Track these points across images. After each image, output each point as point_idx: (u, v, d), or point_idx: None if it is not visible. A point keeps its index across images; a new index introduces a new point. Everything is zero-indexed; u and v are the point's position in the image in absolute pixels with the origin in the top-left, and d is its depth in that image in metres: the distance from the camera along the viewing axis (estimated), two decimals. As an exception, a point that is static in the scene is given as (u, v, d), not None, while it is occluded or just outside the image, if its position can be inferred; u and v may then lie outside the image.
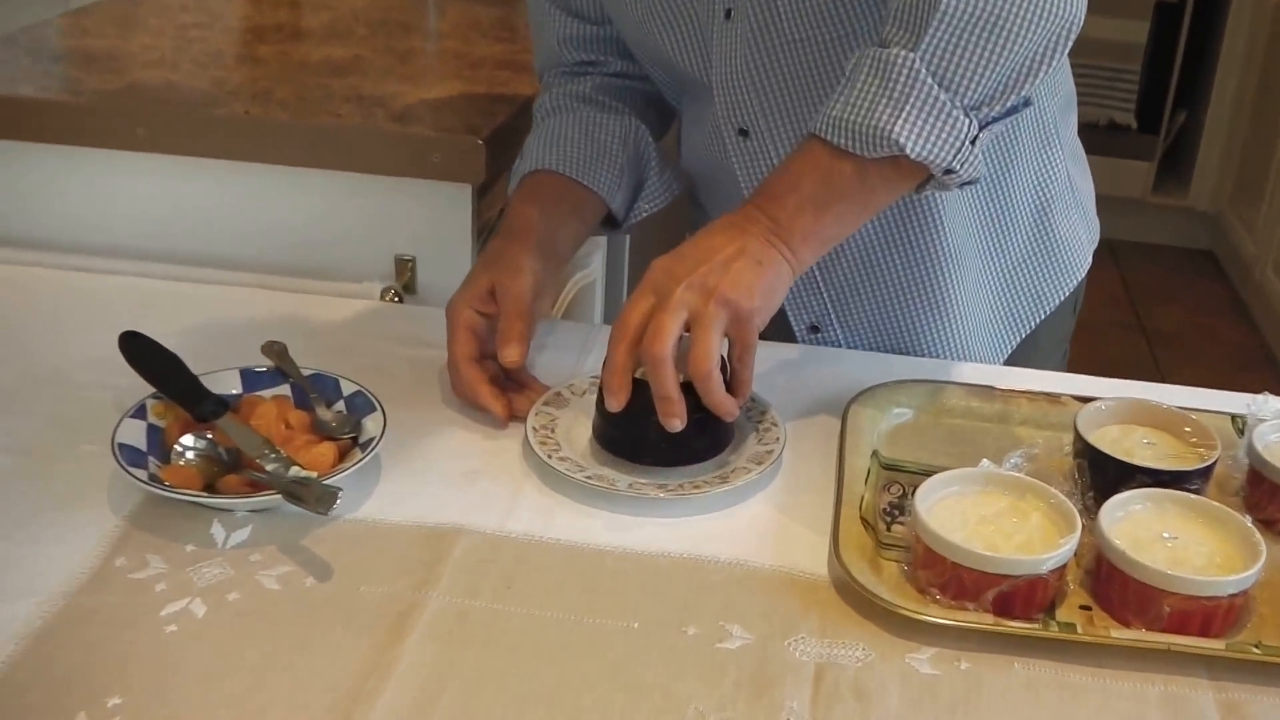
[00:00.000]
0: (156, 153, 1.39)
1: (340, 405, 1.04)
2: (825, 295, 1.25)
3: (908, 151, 0.94)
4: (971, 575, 0.86)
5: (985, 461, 0.98)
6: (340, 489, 0.89)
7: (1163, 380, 1.23)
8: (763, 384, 1.12)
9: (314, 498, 0.89)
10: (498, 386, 1.09)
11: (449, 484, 1.00)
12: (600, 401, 1.00)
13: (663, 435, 0.97)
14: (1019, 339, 1.29)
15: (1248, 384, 1.18)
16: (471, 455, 1.04)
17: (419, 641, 0.84)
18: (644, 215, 1.28)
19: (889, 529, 0.97)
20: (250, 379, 1.06)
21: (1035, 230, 1.26)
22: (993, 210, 1.22)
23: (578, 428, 1.06)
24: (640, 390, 0.97)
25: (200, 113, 1.39)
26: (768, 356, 1.19)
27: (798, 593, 0.90)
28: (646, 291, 0.98)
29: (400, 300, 1.38)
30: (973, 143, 0.97)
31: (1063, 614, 0.88)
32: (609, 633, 0.85)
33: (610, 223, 1.28)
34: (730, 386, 0.99)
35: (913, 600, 0.87)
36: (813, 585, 0.91)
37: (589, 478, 0.98)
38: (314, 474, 0.94)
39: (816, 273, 1.24)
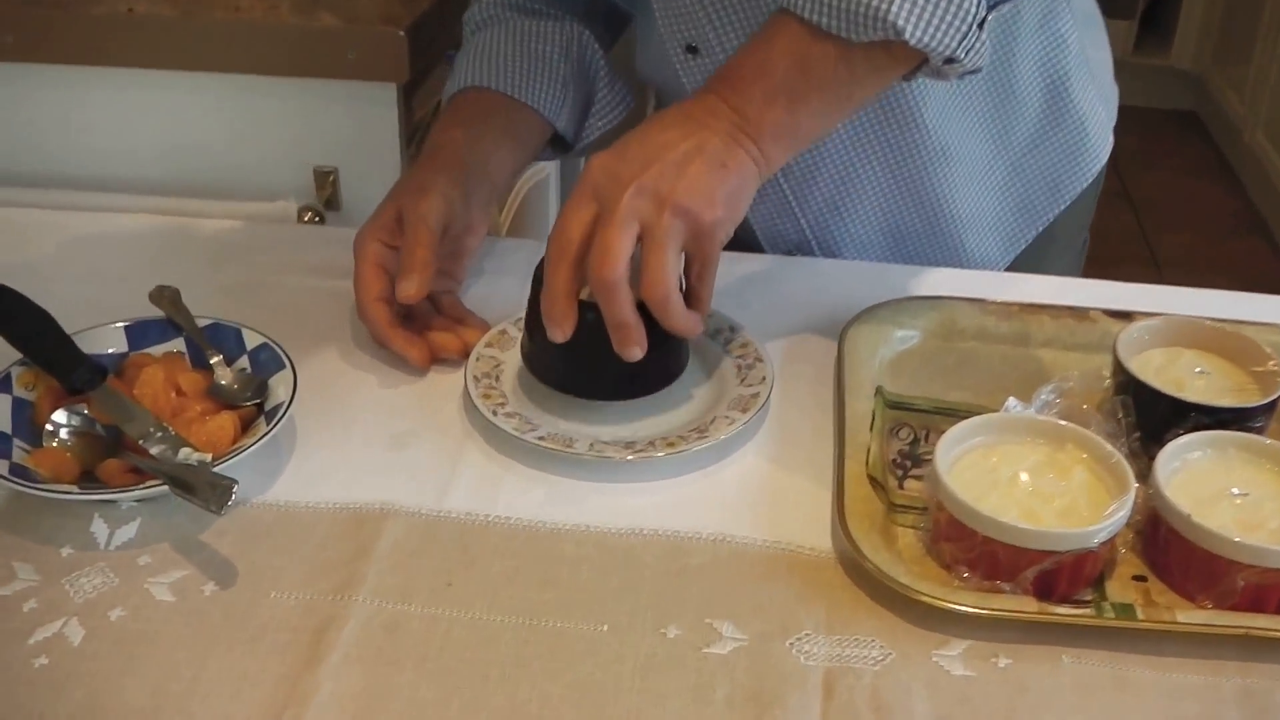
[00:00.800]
0: (26, 61, 1.19)
1: (244, 362, 0.87)
2: (802, 219, 1.08)
3: (906, 37, 0.77)
4: (1008, 551, 0.71)
5: (1012, 401, 0.83)
6: (236, 481, 0.73)
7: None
8: (737, 308, 0.96)
9: (206, 490, 0.73)
10: (425, 325, 0.93)
11: (375, 452, 0.84)
12: (530, 325, 0.84)
13: (618, 366, 0.82)
14: (1034, 234, 1.13)
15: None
16: (402, 414, 0.88)
17: (341, 664, 0.69)
18: (598, 134, 1.09)
19: (901, 485, 0.82)
20: (137, 334, 0.89)
21: (1046, 112, 1.09)
22: (995, 93, 1.05)
23: (528, 374, 0.90)
24: (586, 315, 0.81)
25: (76, 11, 1.19)
26: (738, 270, 1.03)
27: (798, 575, 0.75)
28: (586, 197, 0.80)
29: (321, 221, 1.21)
30: (980, 26, 0.80)
31: (1114, 589, 0.73)
32: (572, 640, 0.70)
33: (560, 144, 1.10)
34: (687, 302, 0.83)
35: (937, 583, 0.73)
36: (816, 564, 0.76)
37: (541, 438, 0.82)
38: (208, 456, 0.77)
39: (789, 194, 1.07)
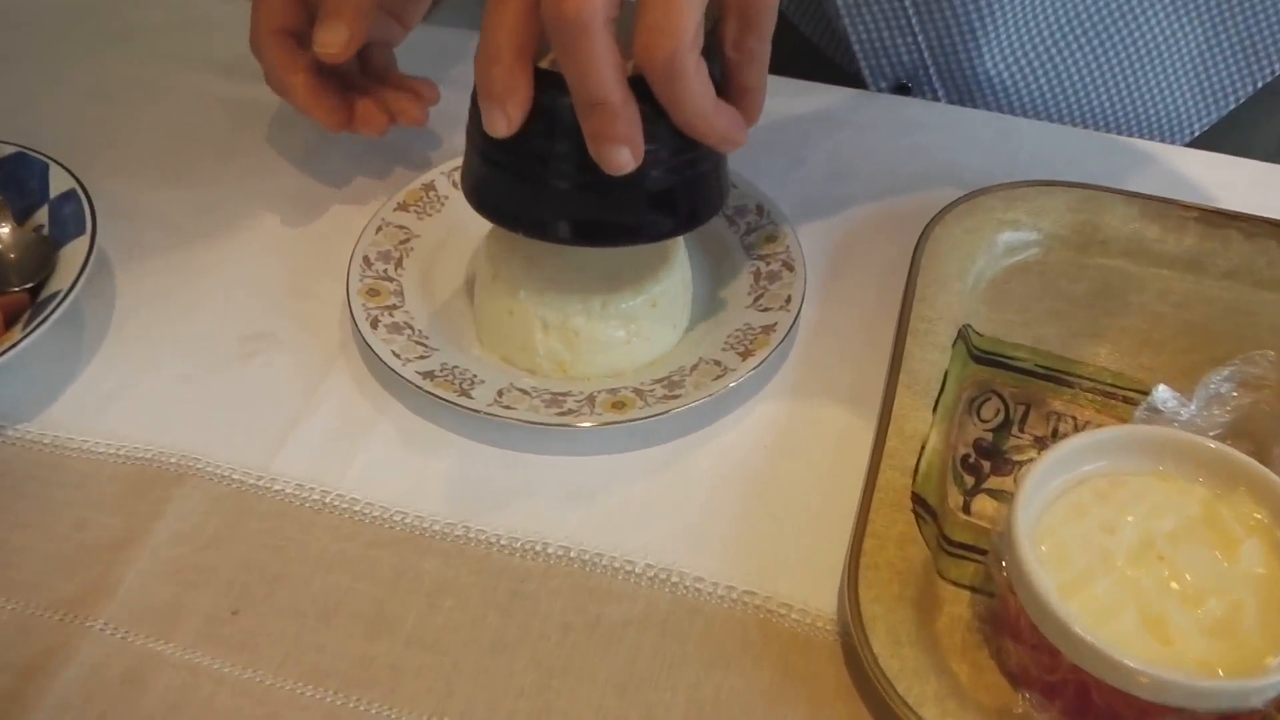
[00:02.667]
0: None
1: (42, 217, 0.61)
2: (920, 37, 0.75)
3: None
4: (1109, 694, 0.42)
5: (1162, 394, 0.52)
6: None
7: None
8: (780, 174, 0.66)
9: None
10: (345, 84, 0.66)
11: (204, 366, 0.58)
12: (471, 126, 0.53)
13: (596, 183, 0.50)
14: (1252, 88, 0.78)
15: None
16: (265, 303, 0.61)
17: (36, 741, 0.45)
18: None
19: (967, 504, 0.53)
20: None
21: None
22: None
23: (454, 245, 0.62)
24: (548, 93, 0.49)
25: None
26: (795, 107, 0.72)
27: (775, 655, 0.47)
28: None
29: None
30: None
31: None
32: (393, 745, 0.45)
33: None
34: (725, 94, 0.51)
35: (990, 713, 0.45)
36: (806, 640, 0.48)
37: (426, 374, 0.55)
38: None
39: (909, 6, 0.74)
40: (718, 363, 0.56)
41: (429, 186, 0.64)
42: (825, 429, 0.55)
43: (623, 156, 0.48)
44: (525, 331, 0.56)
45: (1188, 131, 0.79)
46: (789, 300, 0.58)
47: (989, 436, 0.56)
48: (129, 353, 0.58)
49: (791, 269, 0.60)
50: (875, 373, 0.57)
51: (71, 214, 0.59)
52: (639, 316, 0.56)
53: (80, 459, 0.54)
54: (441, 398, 0.54)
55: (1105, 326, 0.60)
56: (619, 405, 0.54)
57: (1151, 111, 0.78)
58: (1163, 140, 0.79)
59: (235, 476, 0.53)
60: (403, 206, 0.63)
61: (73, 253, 0.58)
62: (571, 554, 0.50)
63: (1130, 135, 0.78)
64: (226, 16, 0.78)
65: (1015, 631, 0.46)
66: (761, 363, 0.55)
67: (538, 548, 0.51)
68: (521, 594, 0.49)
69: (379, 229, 0.62)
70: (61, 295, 0.55)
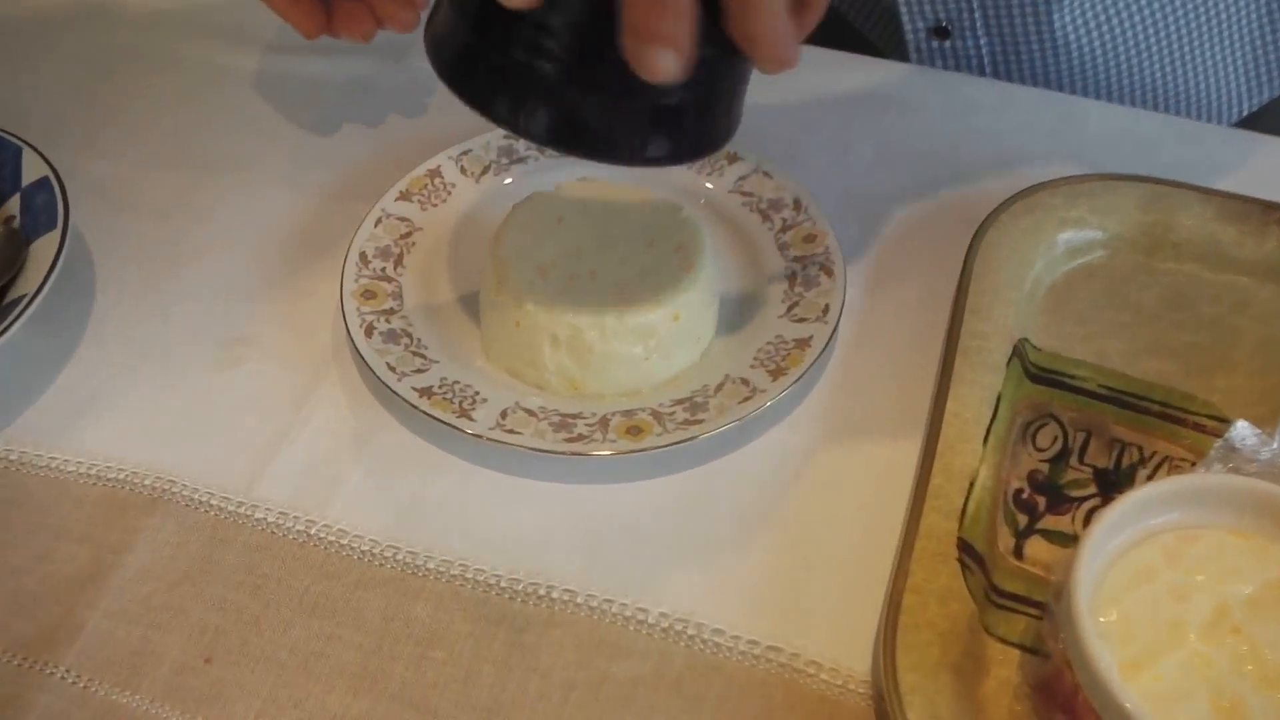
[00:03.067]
0: None
1: (14, 207, 0.56)
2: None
3: None
4: (1178, 796, 0.37)
5: (1242, 430, 0.47)
6: None
7: None
8: (821, 164, 0.60)
9: None
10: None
11: (183, 375, 0.53)
12: None
13: (593, 76, 0.41)
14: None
15: None
16: (244, 305, 0.56)
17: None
18: None
19: (1019, 548, 0.48)
20: None
21: None
22: None
23: (461, 240, 0.57)
24: None
25: None
26: (834, 85, 0.66)
27: (793, 730, 0.43)
28: None
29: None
30: None
31: None
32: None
33: None
34: None
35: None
36: (837, 707, 0.43)
37: (423, 390, 0.50)
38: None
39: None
40: (745, 381, 0.50)
41: (434, 173, 0.59)
42: (864, 459, 0.50)
43: (666, 62, 0.38)
44: (532, 346, 0.51)
45: (1235, 111, 0.73)
46: (826, 310, 0.53)
47: (1045, 469, 0.50)
48: (104, 357, 0.54)
49: (830, 274, 0.54)
50: (921, 394, 0.52)
51: (45, 205, 0.54)
52: (659, 331, 0.50)
53: (46, 479, 0.49)
54: (439, 419, 0.49)
55: (1175, 341, 0.55)
56: (635, 431, 0.49)
57: (1203, 88, 0.72)
58: (1209, 120, 0.72)
59: (213, 503, 0.48)
60: (405, 196, 0.58)
61: (45, 248, 0.53)
62: (578, 599, 0.46)
63: (1177, 113, 0.71)
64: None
65: (1070, 709, 0.41)
66: (794, 382, 0.50)
67: (540, 591, 0.46)
68: (521, 646, 0.44)
69: (378, 221, 0.57)
70: (27, 300, 0.50)
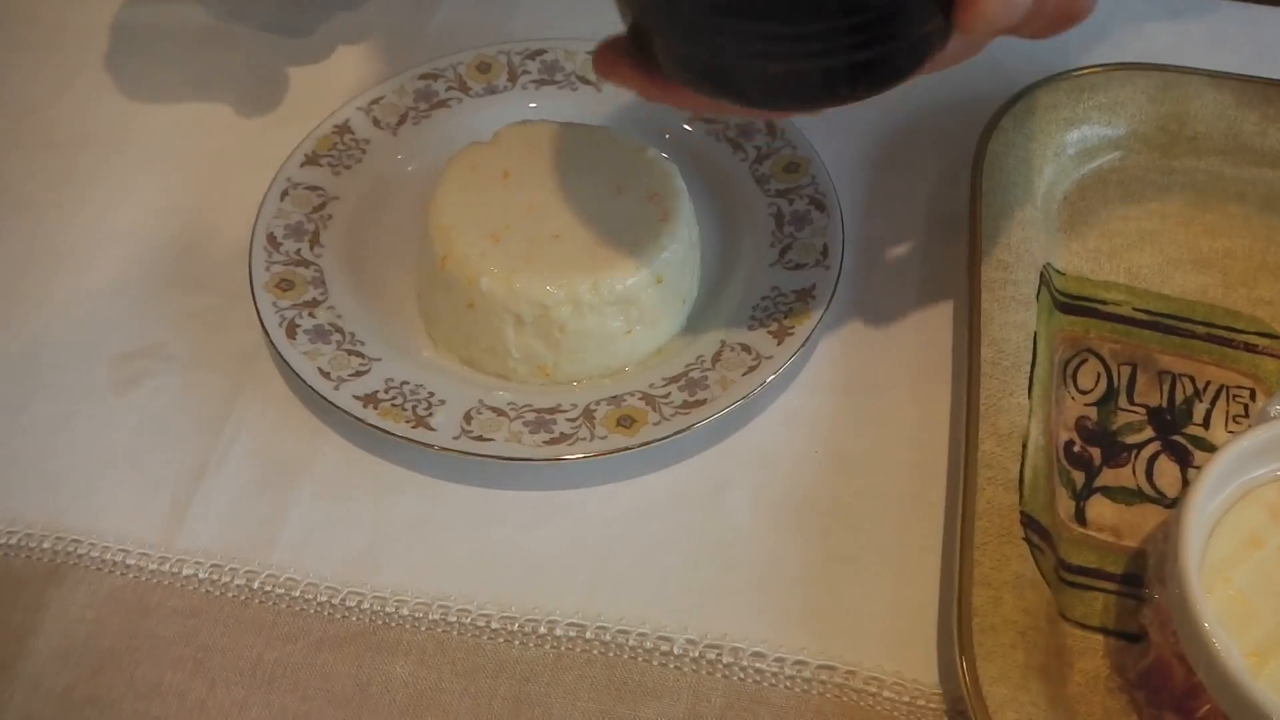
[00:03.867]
0: None
1: None
2: None
3: None
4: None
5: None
6: None
7: None
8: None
9: None
10: None
11: (74, 402, 0.44)
12: None
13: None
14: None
15: None
16: (139, 308, 0.47)
17: None
18: None
19: (1081, 509, 0.41)
20: None
21: None
22: None
23: (387, 205, 0.48)
24: None
25: None
26: None
27: (864, 766, 0.36)
28: None
29: None
30: None
31: None
32: None
33: None
34: None
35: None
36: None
37: (366, 397, 0.42)
38: None
39: None
40: (746, 348, 0.43)
41: (342, 128, 0.50)
42: (891, 423, 0.43)
43: None
44: (492, 330, 0.42)
45: None
46: (825, 252, 0.45)
47: (1093, 414, 0.44)
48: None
49: (822, 208, 0.47)
50: (943, 339, 0.45)
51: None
52: (640, 299, 0.43)
53: (-80, 551, 0.40)
54: (391, 432, 0.41)
55: (1208, 249, 0.48)
56: (627, 421, 0.41)
57: None
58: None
59: (130, 562, 0.40)
60: (312, 159, 0.49)
61: (-123, 267, 0.43)
62: (587, 634, 0.38)
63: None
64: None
65: (1187, 710, 0.35)
66: (805, 343, 0.43)
67: (541, 629, 0.38)
68: (527, 700, 0.37)
69: (284, 194, 0.47)
70: None
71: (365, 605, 0.39)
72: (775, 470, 0.42)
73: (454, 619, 0.39)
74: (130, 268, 0.48)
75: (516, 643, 0.38)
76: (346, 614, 0.39)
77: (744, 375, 0.42)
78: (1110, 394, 0.44)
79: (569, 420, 0.41)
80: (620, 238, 0.43)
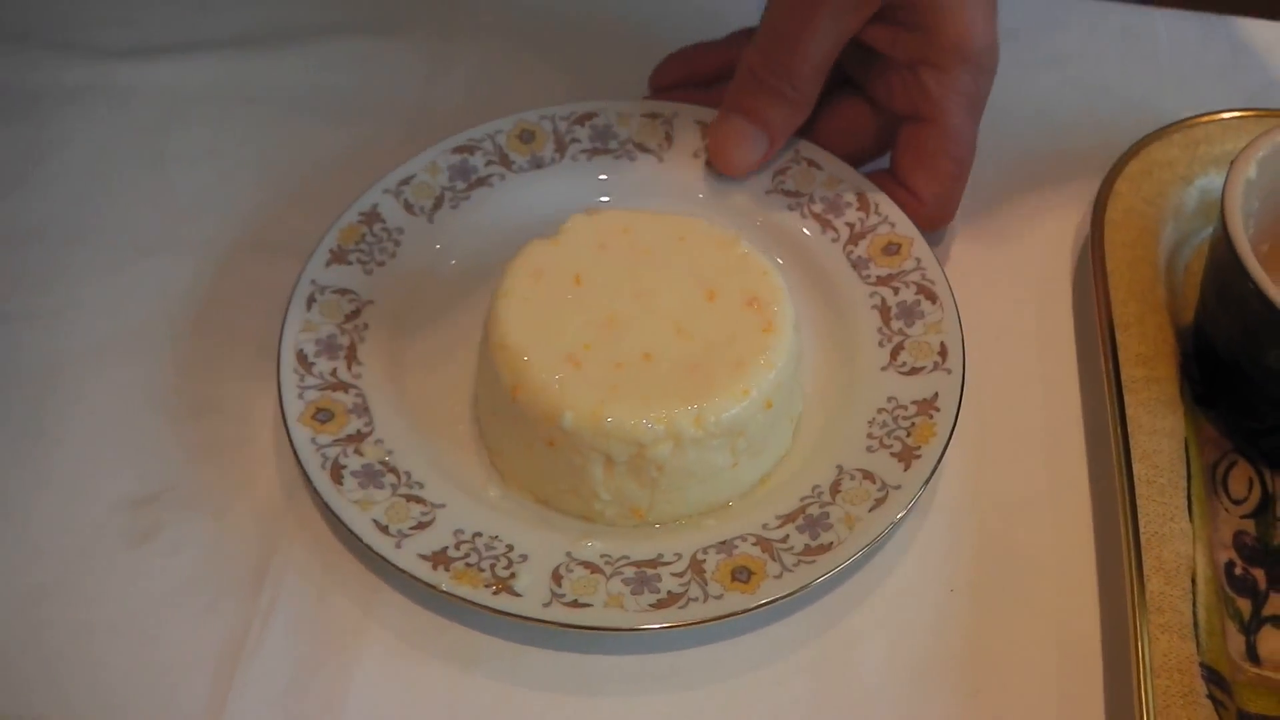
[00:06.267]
0: None
1: None
2: None
3: None
4: None
5: None
6: None
7: None
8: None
9: None
10: None
11: (70, 571, 0.38)
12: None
13: None
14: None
15: None
16: (143, 443, 0.40)
17: None
18: None
19: (1252, 643, 0.36)
20: None
21: None
22: None
23: (428, 305, 0.42)
24: None
25: None
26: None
27: None
28: None
29: None
30: None
31: None
32: None
33: None
34: None
35: None
36: None
37: (453, 549, 0.36)
38: None
39: None
40: (868, 475, 0.37)
41: (371, 216, 0.43)
42: (1031, 551, 0.38)
43: None
44: (576, 470, 0.36)
45: None
46: (944, 352, 0.40)
47: (1250, 528, 0.39)
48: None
49: (934, 298, 0.41)
50: (1073, 443, 0.40)
51: None
52: (749, 426, 0.37)
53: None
54: (472, 602, 0.34)
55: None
56: (743, 574, 0.35)
57: None
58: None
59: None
60: (338, 256, 0.42)
61: None
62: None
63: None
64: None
65: None
66: (935, 467, 0.37)
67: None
68: None
69: (310, 300, 0.41)
70: None
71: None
72: (909, 615, 0.37)
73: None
74: (131, 389, 0.41)
75: None
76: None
77: (871, 510, 0.36)
78: (1266, 502, 0.39)
79: (675, 576, 0.35)
80: (721, 355, 0.37)
